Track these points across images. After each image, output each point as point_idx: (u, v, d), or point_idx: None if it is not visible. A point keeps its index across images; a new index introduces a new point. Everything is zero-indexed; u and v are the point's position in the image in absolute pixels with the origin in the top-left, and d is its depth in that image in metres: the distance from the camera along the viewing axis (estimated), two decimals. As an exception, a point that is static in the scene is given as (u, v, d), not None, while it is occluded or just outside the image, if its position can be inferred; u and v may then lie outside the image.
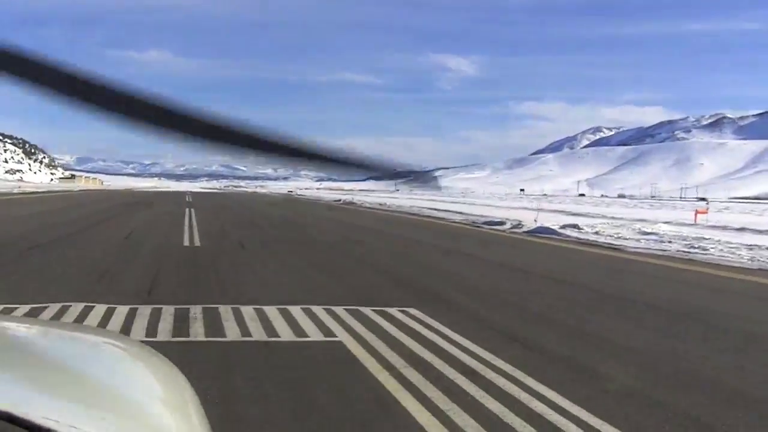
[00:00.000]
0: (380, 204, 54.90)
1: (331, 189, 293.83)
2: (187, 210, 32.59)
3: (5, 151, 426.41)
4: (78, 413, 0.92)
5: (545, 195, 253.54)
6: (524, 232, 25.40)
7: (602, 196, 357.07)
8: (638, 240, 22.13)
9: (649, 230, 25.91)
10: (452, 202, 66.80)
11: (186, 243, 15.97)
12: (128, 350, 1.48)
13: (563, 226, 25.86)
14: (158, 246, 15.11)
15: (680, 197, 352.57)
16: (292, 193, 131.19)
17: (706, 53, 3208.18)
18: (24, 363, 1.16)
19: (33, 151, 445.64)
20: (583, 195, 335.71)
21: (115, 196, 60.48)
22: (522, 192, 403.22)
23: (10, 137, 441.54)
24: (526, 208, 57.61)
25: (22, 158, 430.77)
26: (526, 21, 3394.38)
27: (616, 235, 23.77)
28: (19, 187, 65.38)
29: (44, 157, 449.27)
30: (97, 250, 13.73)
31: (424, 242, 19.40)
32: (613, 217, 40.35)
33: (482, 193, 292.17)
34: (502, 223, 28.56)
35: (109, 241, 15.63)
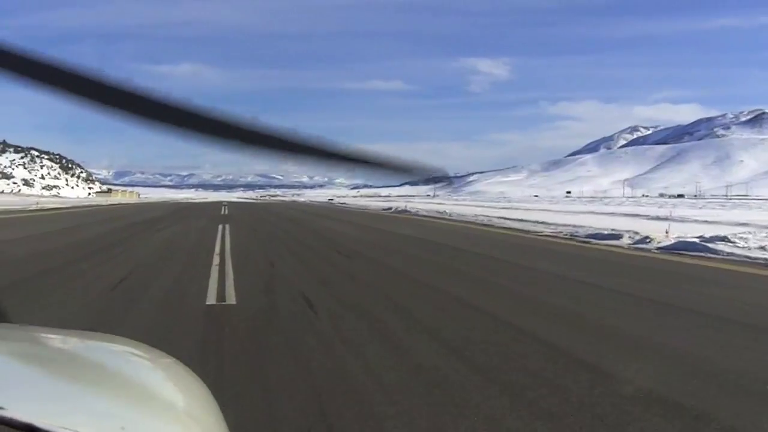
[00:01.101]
0: (439, 212, 48.23)
1: (368, 196, 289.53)
2: (220, 228, 26.14)
3: (42, 167, 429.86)
4: (98, 424, 0.93)
5: (588, 197, 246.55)
6: (659, 248, 18.92)
7: (643, 195, 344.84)
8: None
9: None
10: (507, 209, 60.91)
11: (211, 300, 9.31)
12: (148, 358, 1.44)
13: (708, 239, 19.33)
14: (161, 308, 8.75)
15: (725, 195, 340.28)
16: (333, 201, 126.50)
17: (740, 49, 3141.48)
18: (43, 373, 1.14)
19: (70, 166, 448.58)
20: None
21: (141, 210, 54.28)
22: (568, 194, 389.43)
23: (47, 153, 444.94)
24: (593, 213, 51.61)
25: (59, 173, 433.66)
26: (556, 21, 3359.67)
27: (788, 252, 17.31)
28: (37, 203, 60.49)
29: (81, 172, 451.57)
30: (48, 319, 7.49)
31: (562, 276, 12.65)
32: (706, 222, 34.43)
33: (522, 196, 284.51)
34: (616, 237, 22.08)
35: (83, 297, 9.39)
